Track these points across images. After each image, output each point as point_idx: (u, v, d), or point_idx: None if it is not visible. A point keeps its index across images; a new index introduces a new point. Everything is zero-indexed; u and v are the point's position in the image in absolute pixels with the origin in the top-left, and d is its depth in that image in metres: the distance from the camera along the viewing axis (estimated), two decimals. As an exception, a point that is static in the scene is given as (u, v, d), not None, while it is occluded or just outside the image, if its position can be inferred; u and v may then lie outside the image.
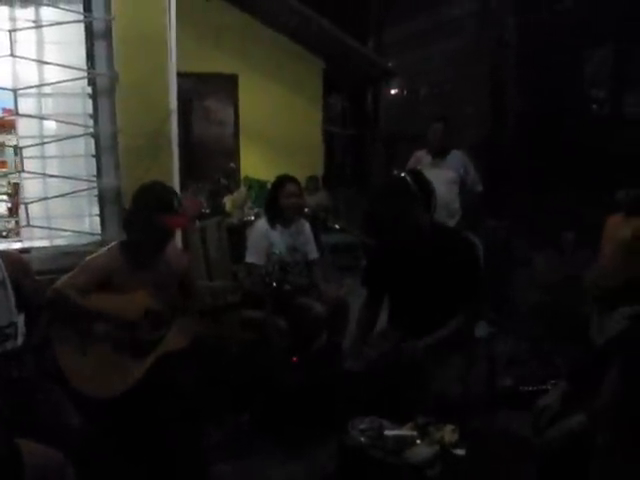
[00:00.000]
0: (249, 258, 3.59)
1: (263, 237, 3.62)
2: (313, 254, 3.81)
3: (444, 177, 4.43)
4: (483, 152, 8.17)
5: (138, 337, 2.51)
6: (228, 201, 7.12)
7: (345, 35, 8.04)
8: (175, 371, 2.51)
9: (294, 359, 3.46)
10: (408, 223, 2.76)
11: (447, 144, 4.73)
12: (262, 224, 3.72)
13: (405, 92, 11.22)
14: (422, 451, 2.25)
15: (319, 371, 3.33)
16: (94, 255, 2.62)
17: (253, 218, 6.06)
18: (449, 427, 2.33)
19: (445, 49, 9.63)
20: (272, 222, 3.68)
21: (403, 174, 2.84)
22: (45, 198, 3.33)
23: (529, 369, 3.67)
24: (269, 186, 3.98)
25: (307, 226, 3.84)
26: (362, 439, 2.35)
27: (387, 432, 2.33)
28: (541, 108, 8.43)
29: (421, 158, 4.76)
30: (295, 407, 3.11)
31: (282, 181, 3.74)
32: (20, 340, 2.36)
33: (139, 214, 2.59)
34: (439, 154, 4.67)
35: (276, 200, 3.69)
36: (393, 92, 11.21)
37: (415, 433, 2.33)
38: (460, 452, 2.26)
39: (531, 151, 8.12)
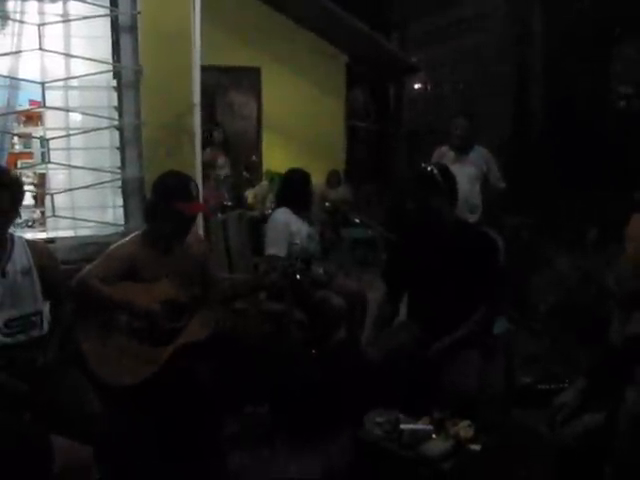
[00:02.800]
0: (270, 250, 3.56)
1: (285, 227, 3.61)
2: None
3: (466, 173, 4.40)
4: (507, 149, 8.09)
5: (160, 326, 2.55)
6: (250, 194, 7.15)
7: (369, 29, 8.00)
8: (195, 361, 2.54)
9: (313, 352, 3.48)
10: (432, 216, 2.77)
11: (470, 140, 4.70)
12: (283, 214, 3.69)
13: (429, 87, 11.13)
14: (438, 445, 2.27)
15: (338, 364, 3.34)
16: (116, 244, 2.66)
17: (273, 211, 6.08)
18: (465, 422, 2.33)
19: (469, 44, 9.53)
20: (299, 213, 3.72)
21: (430, 167, 2.84)
22: (70, 189, 3.39)
23: (548, 367, 3.65)
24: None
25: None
26: (378, 433, 2.37)
27: (403, 426, 2.34)
28: (567, 105, 8.31)
29: (444, 153, 4.73)
30: (313, 400, 3.13)
31: (309, 175, 3.85)
32: (45, 328, 2.42)
33: (158, 202, 2.63)
34: (462, 150, 4.65)
35: (308, 192, 3.80)
36: (416, 87, 11.13)
37: (431, 427, 2.34)
38: (475, 447, 2.27)
39: (556, 148, 8.02)
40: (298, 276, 2.89)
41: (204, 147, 6.75)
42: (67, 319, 2.49)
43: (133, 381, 2.43)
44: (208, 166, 6.73)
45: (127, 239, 2.70)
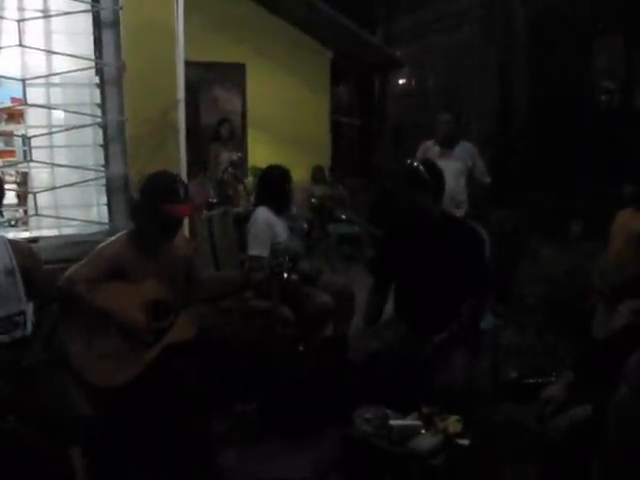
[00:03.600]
0: (253, 250, 3.51)
1: (267, 227, 3.56)
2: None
3: (452, 168, 4.40)
4: (492, 143, 8.13)
5: (144, 332, 2.52)
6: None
7: (353, 24, 7.98)
8: (182, 360, 2.52)
9: (300, 349, 3.47)
10: (419, 212, 2.78)
11: (455, 135, 4.71)
12: (264, 214, 3.61)
13: (414, 82, 11.14)
14: (426, 441, 2.27)
15: (325, 361, 3.34)
16: (103, 245, 2.63)
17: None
18: (453, 417, 2.34)
19: (454, 39, 9.55)
20: (280, 212, 3.68)
21: (416, 163, 2.85)
22: (53, 187, 3.35)
23: (534, 361, 3.67)
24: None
25: None
26: (367, 429, 2.37)
27: (392, 422, 2.35)
28: (550, 99, 8.36)
29: (429, 148, 4.75)
30: (301, 396, 3.13)
31: (288, 172, 3.76)
32: (29, 328, 2.39)
33: (146, 204, 2.59)
34: (447, 145, 4.66)
35: (288, 190, 3.74)
36: (401, 82, 11.13)
37: (420, 423, 2.35)
38: (464, 442, 2.28)
39: (540, 142, 8.07)
40: (285, 275, 2.87)
41: (211, 143, 6.79)
42: (51, 319, 2.46)
43: (120, 382, 2.40)
44: (213, 162, 6.73)
45: (113, 239, 2.67)
